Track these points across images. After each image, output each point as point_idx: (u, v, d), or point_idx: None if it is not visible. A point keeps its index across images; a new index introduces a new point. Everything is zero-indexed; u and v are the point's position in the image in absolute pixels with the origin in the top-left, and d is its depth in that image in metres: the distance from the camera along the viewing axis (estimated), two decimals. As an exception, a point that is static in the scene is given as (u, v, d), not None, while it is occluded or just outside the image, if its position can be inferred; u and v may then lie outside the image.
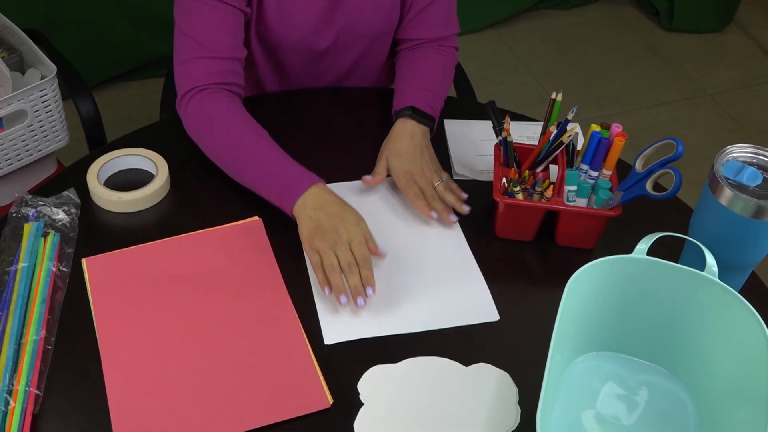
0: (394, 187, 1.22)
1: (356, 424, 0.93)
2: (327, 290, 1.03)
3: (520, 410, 0.95)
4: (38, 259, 1.07)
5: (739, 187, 0.95)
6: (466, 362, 0.99)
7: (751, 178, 0.96)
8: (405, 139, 1.21)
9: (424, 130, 1.24)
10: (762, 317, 0.85)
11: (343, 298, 1.02)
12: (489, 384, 0.98)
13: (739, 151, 0.99)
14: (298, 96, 1.38)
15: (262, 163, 1.13)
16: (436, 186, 1.18)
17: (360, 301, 1.02)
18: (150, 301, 1.04)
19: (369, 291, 1.03)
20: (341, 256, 1.04)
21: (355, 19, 1.30)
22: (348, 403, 0.95)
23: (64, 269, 1.07)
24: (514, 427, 0.93)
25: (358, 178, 1.23)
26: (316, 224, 1.06)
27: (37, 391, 0.93)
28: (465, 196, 1.19)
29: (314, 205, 1.07)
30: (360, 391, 0.96)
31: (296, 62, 1.35)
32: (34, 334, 0.98)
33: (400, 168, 1.19)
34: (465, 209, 1.16)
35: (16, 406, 0.91)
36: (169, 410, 0.93)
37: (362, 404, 0.94)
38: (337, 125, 1.34)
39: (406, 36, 1.36)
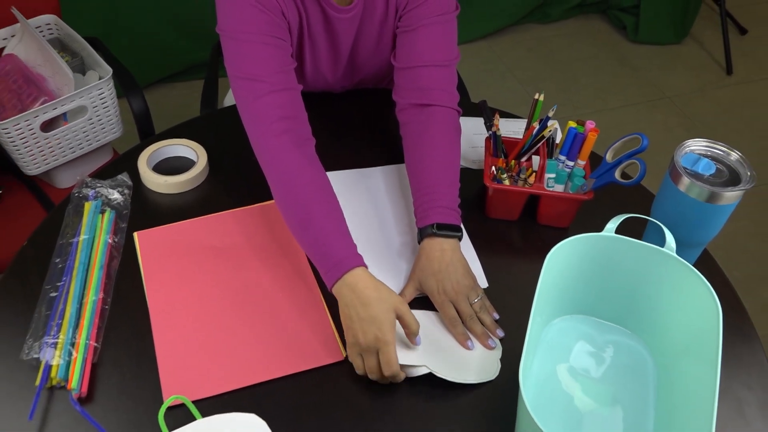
0: (394, 173, 1.21)
1: None
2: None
3: (500, 365, 0.95)
4: (96, 232, 1.07)
5: (695, 176, 0.95)
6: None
7: (705, 168, 0.95)
8: (435, 258, 1.00)
9: (453, 243, 1.02)
10: (712, 286, 0.85)
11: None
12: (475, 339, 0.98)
13: (696, 145, 0.98)
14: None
15: (316, 235, 0.98)
16: (474, 303, 0.99)
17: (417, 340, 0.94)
18: (191, 268, 1.04)
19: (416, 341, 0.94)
20: (371, 366, 0.90)
21: (368, 74, 1.29)
22: (359, 356, 0.94)
23: (119, 241, 1.07)
24: (493, 378, 0.94)
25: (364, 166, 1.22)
26: (351, 326, 0.92)
27: (95, 344, 0.93)
28: (496, 316, 1.01)
29: (350, 290, 0.93)
30: None
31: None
32: (93, 296, 0.98)
33: (434, 288, 0.99)
34: (499, 334, 0.99)
35: (78, 356, 0.91)
36: (205, 360, 0.93)
37: None
38: (347, 119, 1.33)
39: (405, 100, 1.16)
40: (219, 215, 1.12)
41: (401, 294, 1.02)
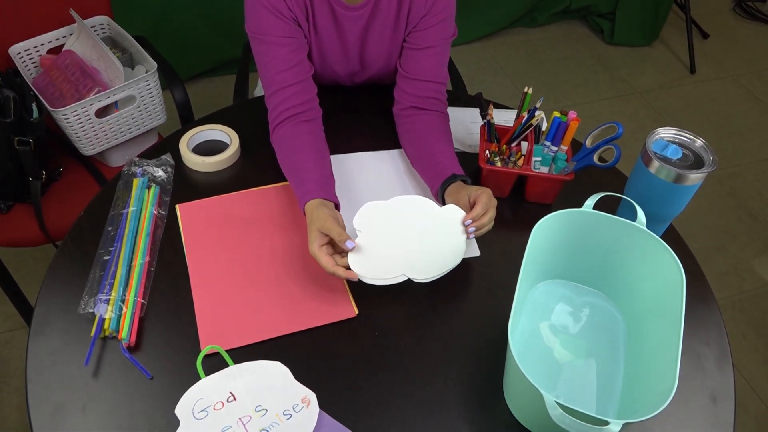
0: (399, 157, 1.19)
1: (350, 255, 0.91)
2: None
3: (476, 246, 0.96)
4: (143, 204, 1.06)
5: (664, 160, 0.93)
6: (453, 272, 0.97)
7: (673, 153, 0.93)
8: (462, 188, 1.01)
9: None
10: (677, 256, 0.84)
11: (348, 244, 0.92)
12: (456, 220, 0.96)
13: (666, 133, 0.96)
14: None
15: (298, 176, 1.03)
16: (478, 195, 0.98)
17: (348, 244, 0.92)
18: (224, 236, 1.03)
19: (347, 244, 0.92)
20: (321, 266, 0.92)
21: (378, 73, 1.26)
22: (369, 314, 0.94)
23: (163, 212, 1.06)
24: (472, 256, 0.94)
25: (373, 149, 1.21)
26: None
27: (143, 301, 0.93)
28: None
29: (307, 220, 0.96)
30: (354, 226, 0.93)
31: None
32: (140, 259, 0.97)
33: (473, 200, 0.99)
34: (465, 219, 0.96)
35: (127, 311, 0.90)
36: (237, 315, 0.92)
37: (356, 236, 0.92)
38: (357, 108, 1.31)
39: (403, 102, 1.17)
40: (249, 191, 1.11)
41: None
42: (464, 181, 1.04)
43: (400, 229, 0.95)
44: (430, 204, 0.96)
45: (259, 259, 1.00)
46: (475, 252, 1.04)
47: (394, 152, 1.20)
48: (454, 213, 0.96)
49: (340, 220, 0.95)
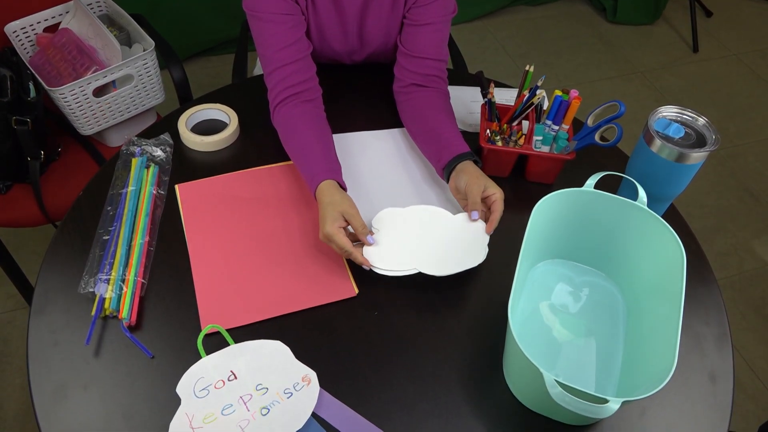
0: (401, 136, 1.19)
1: (365, 248, 0.94)
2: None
3: (488, 250, 0.95)
4: (142, 184, 1.05)
5: (666, 138, 0.92)
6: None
7: (675, 131, 0.92)
8: (474, 172, 1.00)
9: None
10: (677, 235, 0.83)
11: (369, 239, 0.95)
12: (468, 228, 0.98)
13: (668, 111, 0.95)
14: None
15: (305, 158, 1.03)
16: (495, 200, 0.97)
17: (369, 239, 0.95)
18: (224, 216, 1.03)
19: (368, 239, 0.95)
20: (335, 249, 0.94)
21: (377, 51, 1.24)
22: (369, 294, 0.94)
23: (162, 192, 1.06)
24: (482, 261, 0.94)
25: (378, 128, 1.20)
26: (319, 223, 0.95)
27: (143, 280, 0.93)
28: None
29: (319, 196, 0.97)
30: (373, 225, 0.98)
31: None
32: (140, 239, 0.97)
33: (476, 189, 0.97)
34: (488, 231, 0.97)
35: (127, 290, 0.90)
36: (237, 295, 0.92)
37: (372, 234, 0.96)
38: (359, 91, 1.29)
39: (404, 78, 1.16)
40: (249, 171, 1.10)
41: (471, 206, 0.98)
42: (475, 162, 1.03)
43: (416, 231, 0.98)
44: (447, 213, 1.00)
45: (258, 239, 1.00)
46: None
47: (395, 131, 1.20)
48: (472, 221, 0.98)
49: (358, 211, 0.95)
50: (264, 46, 1.08)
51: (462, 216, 0.99)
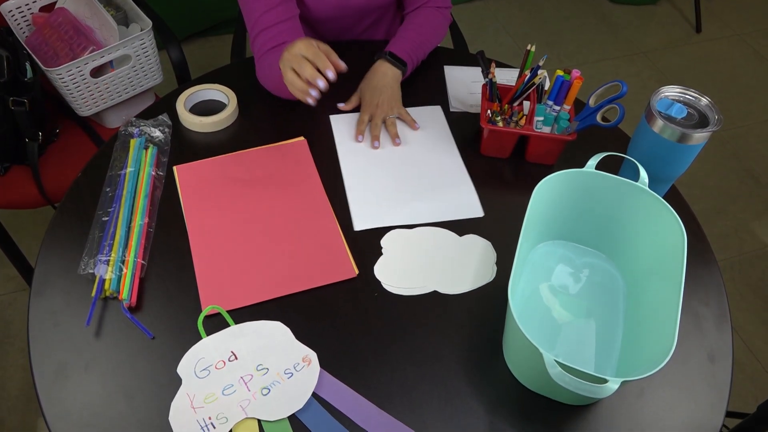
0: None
1: (376, 268, 0.94)
2: (312, 96, 0.97)
3: (497, 269, 0.95)
4: (141, 165, 1.05)
5: (669, 119, 0.91)
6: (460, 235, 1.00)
7: (678, 112, 0.92)
8: (378, 76, 1.15)
9: (395, 72, 1.16)
10: (679, 216, 0.83)
11: (320, 83, 0.94)
12: (475, 249, 0.98)
13: (670, 91, 0.94)
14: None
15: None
16: (387, 119, 1.12)
17: (320, 83, 0.94)
18: (223, 197, 1.02)
19: (328, 73, 0.94)
20: (306, 68, 0.95)
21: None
22: (369, 275, 0.94)
23: (161, 173, 1.05)
24: (491, 280, 0.94)
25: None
26: (282, 59, 0.98)
27: (143, 261, 0.93)
28: (417, 126, 1.14)
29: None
30: (382, 245, 0.96)
31: (325, 18, 1.26)
32: (139, 220, 0.97)
33: (366, 99, 1.14)
34: (397, 142, 1.11)
35: (127, 272, 0.90)
36: (237, 276, 0.92)
37: (381, 254, 0.95)
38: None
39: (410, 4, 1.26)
40: (248, 152, 1.10)
41: (347, 101, 1.14)
42: (395, 59, 1.13)
43: (427, 251, 0.97)
44: (454, 234, 0.99)
45: (258, 220, 1.00)
46: (478, 212, 1.03)
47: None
48: (475, 242, 0.98)
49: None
50: (249, 11, 1.09)
51: (469, 237, 0.99)
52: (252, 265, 0.94)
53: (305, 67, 0.94)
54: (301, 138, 1.12)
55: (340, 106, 1.14)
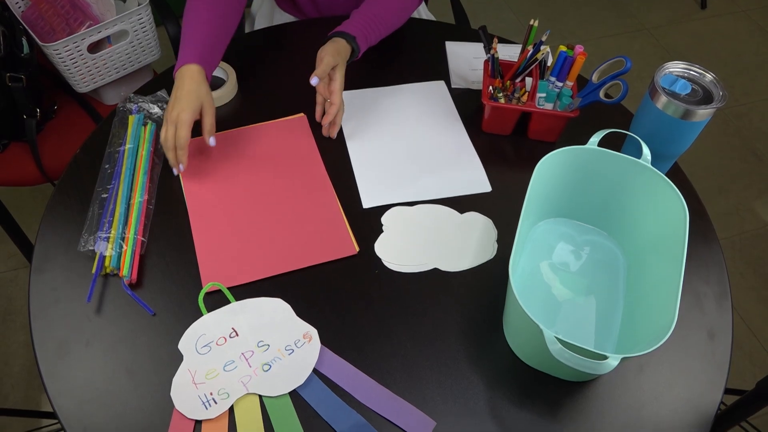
0: (409, 92, 1.17)
1: (376, 245, 0.94)
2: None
3: (497, 246, 0.95)
4: (140, 142, 1.04)
5: (672, 95, 0.90)
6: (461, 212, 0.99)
7: (682, 88, 0.91)
8: (332, 46, 1.04)
9: (347, 48, 1.06)
10: (681, 194, 0.83)
11: (174, 171, 0.99)
12: (476, 226, 0.97)
13: (675, 67, 0.93)
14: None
15: (184, 38, 1.01)
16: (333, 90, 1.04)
17: (174, 171, 0.99)
18: (222, 173, 1.02)
19: (181, 167, 0.97)
20: (168, 135, 0.95)
21: None
22: (369, 252, 0.94)
23: (160, 149, 1.04)
24: (492, 257, 0.94)
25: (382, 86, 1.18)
26: (170, 102, 0.96)
27: (143, 238, 0.92)
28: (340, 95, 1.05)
29: (179, 76, 0.97)
30: (382, 222, 0.96)
31: None
32: (139, 197, 0.96)
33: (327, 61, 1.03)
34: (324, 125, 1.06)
35: (127, 248, 0.90)
36: (238, 252, 0.92)
37: (382, 232, 0.95)
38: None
39: None
40: (247, 128, 1.09)
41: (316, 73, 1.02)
42: (350, 41, 1.05)
43: (428, 229, 0.97)
44: (454, 212, 0.99)
45: (258, 197, 0.99)
46: (486, 188, 1.03)
47: (409, 86, 1.18)
48: (476, 219, 0.98)
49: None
50: None
51: (470, 215, 0.99)
52: (252, 242, 0.94)
53: (168, 151, 0.96)
54: (302, 114, 1.11)
55: (313, 81, 1.03)
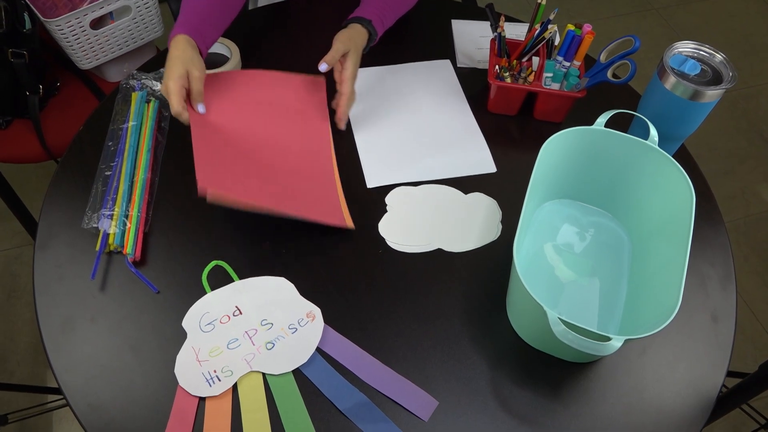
0: (414, 71, 1.16)
1: (380, 225, 0.94)
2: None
3: (502, 227, 0.95)
4: (143, 119, 1.03)
5: (681, 75, 0.89)
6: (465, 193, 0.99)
7: (691, 68, 0.89)
8: (350, 33, 1.02)
9: (365, 35, 1.04)
10: (688, 176, 0.82)
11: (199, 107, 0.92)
12: (480, 207, 0.97)
13: (684, 47, 0.92)
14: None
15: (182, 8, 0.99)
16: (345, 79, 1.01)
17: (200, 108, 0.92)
18: (230, 107, 0.96)
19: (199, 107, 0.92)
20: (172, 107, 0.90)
21: None
22: (373, 231, 0.93)
23: (164, 126, 1.04)
24: (496, 238, 0.93)
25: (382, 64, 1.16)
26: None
27: (146, 216, 0.92)
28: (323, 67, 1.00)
29: (172, 45, 0.93)
30: (386, 202, 0.96)
31: None
32: (142, 174, 0.96)
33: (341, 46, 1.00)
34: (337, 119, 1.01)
35: (131, 226, 0.90)
36: (233, 165, 0.88)
37: (386, 212, 0.95)
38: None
39: None
40: (264, 72, 1.01)
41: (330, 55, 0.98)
42: (366, 26, 1.03)
43: (432, 209, 0.96)
44: (459, 192, 0.98)
45: (261, 137, 0.95)
46: (491, 168, 1.02)
47: (398, 67, 1.17)
48: (480, 200, 0.97)
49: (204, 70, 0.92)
50: None
51: (474, 195, 0.98)
52: (250, 168, 0.90)
53: (174, 103, 0.89)
54: (322, 77, 1.06)
55: (321, 68, 0.99)
